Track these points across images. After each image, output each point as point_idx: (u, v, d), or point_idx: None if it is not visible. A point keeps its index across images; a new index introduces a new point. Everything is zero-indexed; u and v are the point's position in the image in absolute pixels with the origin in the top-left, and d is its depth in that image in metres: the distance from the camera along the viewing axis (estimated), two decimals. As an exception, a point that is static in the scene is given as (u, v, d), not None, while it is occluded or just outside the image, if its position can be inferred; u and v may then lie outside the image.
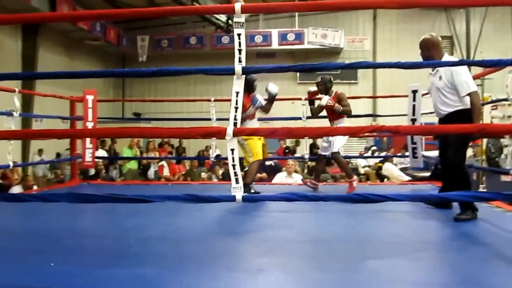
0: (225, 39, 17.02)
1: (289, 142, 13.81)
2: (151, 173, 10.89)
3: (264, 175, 10.77)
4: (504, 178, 8.80)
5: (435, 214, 4.30)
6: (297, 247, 3.03)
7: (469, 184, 3.92)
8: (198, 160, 11.79)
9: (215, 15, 12.16)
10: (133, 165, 10.73)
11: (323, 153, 5.86)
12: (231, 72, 2.19)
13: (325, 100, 5.61)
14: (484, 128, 2.28)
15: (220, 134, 2.17)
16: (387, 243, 3.24)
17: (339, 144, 5.69)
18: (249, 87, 5.17)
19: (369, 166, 14.34)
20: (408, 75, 16.35)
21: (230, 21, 12.55)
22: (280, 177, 8.14)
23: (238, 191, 2.14)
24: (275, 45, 17.17)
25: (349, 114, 5.76)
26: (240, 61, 2.20)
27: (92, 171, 9.55)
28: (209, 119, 7.08)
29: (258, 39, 17.06)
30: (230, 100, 7.77)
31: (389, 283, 2.40)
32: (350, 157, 15.18)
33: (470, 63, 2.17)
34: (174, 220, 4.01)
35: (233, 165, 2.16)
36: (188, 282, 2.36)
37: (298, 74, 18.01)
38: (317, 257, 2.78)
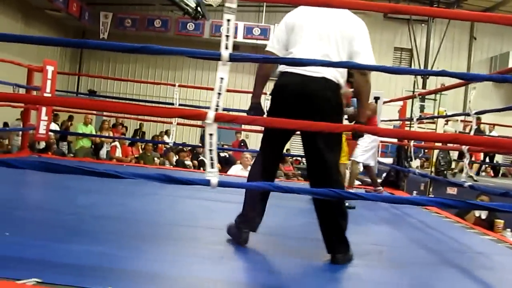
0: (190, 26, 16.81)
1: (244, 136, 13.85)
2: (103, 152, 10.66)
3: (218, 166, 10.79)
4: (449, 190, 9.20)
5: (386, 219, 4.45)
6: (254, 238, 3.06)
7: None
8: (153, 144, 11.63)
9: (185, 1, 11.99)
10: (86, 142, 10.45)
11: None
12: (218, 57, 2.18)
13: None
14: (457, 138, 2.37)
15: (200, 117, 2.15)
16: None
17: (358, 153, 5.68)
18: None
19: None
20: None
21: (199, 8, 12.41)
22: (235, 170, 8.16)
23: (213, 176, 2.13)
24: (239, 37, 17.07)
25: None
26: (226, 47, 2.19)
27: (40, 145, 9.25)
28: (165, 103, 7.00)
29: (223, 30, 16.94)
30: (192, 87, 7.76)
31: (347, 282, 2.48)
32: (302, 156, 15.48)
33: (452, 75, 2.20)
34: (128, 201, 3.96)
35: (210, 150, 2.15)
36: (144, 263, 2.34)
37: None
38: (275, 250, 2.82)
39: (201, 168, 9.99)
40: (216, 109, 2.17)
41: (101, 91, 17.54)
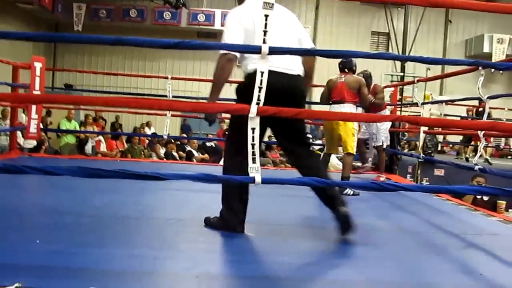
0: (167, 15, 16.58)
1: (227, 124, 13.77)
2: (88, 148, 10.49)
3: (206, 156, 10.74)
4: (437, 172, 9.37)
5: (396, 204, 4.48)
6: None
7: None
8: (138, 136, 11.49)
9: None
10: (70, 139, 10.24)
11: (362, 137, 6.13)
12: (257, 51, 2.14)
13: None
14: (494, 126, 2.40)
15: (243, 111, 2.12)
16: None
17: (382, 137, 6.01)
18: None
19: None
20: (321, 63, 16.98)
21: (180, -2, 12.23)
22: (226, 160, 8.14)
23: (256, 172, 2.11)
24: (217, 25, 16.91)
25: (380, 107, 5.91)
26: (264, 42, 2.16)
27: (25, 144, 9.04)
28: (143, 95, 6.84)
29: (201, 18, 16.77)
30: (180, 79, 7.69)
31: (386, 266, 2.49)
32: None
33: (485, 65, 2.21)
34: (142, 198, 3.91)
35: (253, 145, 2.12)
36: (189, 263, 2.32)
37: (238, 56, 17.92)
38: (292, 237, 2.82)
39: (194, 159, 9.92)
40: (258, 103, 2.14)
41: (77, 85, 17.21)
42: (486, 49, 17.63)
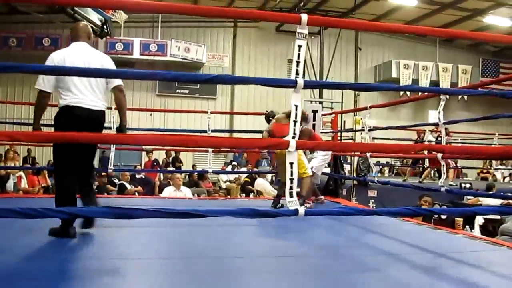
0: (83, 44, 16.00)
1: (157, 155, 13.44)
2: (10, 185, 9.74)
3: (140, 188, 10.38)
4: (370, 193, 9.76)
5: (367, 228, 4.57)
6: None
7: (67, 199, 3.44)
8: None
9: (89, 18, 11.33)
10: (-12, 175, 9.46)
11: None
12: (293, 85, 2.14)
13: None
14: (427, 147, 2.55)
15: (282, 146, 2.10)
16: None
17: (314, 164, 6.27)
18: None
19: (230, 181, 14.61)
20: (263, 93, 17.34)
21: (105, 26, 11.80)
22: (168, 191, 7.95)
23: (297, 205, 2.09)
24: (136, 54, 16.63)
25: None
26: (297, 73, 2.16)
27: None
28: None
29: (119, 47, 16.36)
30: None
31: None
32: (220, 172, 15.19)
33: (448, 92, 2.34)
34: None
35: (291, 179, 2.10)
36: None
37: (157, 85, 17.70)
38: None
39: (137, 193, 9.53)
40: (294, 137, 2.13)
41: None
42: (394, 74, 18.84)
